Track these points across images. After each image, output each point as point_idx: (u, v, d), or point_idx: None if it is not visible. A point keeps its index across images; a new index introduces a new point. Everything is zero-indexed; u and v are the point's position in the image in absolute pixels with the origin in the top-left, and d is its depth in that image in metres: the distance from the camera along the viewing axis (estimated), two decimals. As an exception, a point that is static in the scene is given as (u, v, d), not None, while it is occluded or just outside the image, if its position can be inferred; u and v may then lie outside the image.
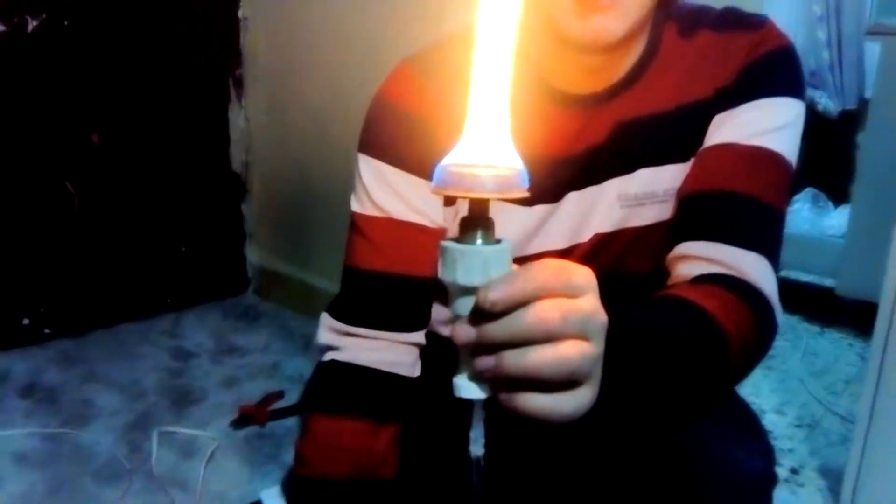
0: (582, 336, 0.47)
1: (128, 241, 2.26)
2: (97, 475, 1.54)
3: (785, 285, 2.53)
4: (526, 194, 0.47)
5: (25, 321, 2.10)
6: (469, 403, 0.49)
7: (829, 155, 3.08)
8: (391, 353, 0.89)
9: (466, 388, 0.48)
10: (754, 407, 1.90)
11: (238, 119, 2.46)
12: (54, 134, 2.07)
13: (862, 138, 2.58)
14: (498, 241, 0.47)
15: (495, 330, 0.45)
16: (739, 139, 0.83)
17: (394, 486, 0.87)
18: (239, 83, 2.44)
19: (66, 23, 2.03)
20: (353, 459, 0.86)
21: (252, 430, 1.72)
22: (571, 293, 0.47)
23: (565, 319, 0.45)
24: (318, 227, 2.31)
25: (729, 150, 0.83)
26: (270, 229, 2.53)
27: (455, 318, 0.47)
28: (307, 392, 0.92)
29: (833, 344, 2.36)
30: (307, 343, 2.12)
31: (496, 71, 0.48)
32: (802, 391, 2.01)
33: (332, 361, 0.89)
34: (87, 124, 2.12)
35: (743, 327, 0.70)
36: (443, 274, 0.47)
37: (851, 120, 3.39)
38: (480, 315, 0.46)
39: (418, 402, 0.90)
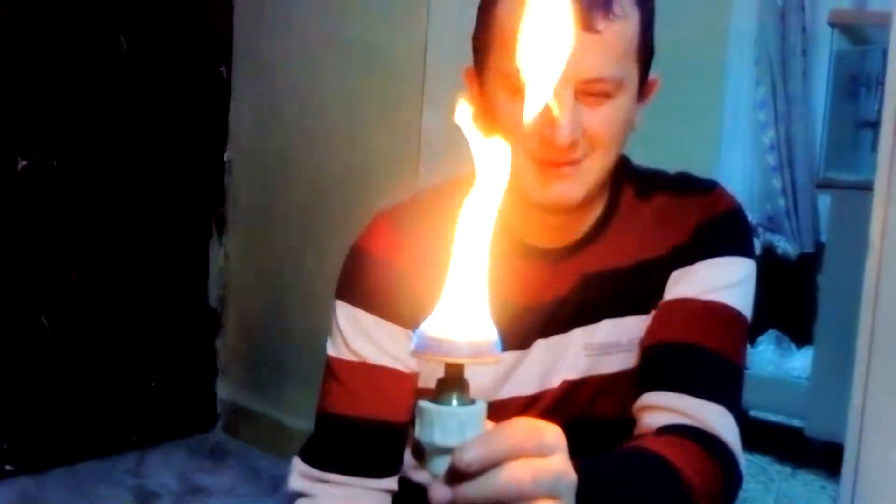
0: (552, 495, 0.49)
1: (98, 375, 2.23)
2: None
3: (754, 426, 2.53)
4: (498, 360, 0.51)
5: (-14, 457, 2.04)
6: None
7: (790, 297, 3.18)
8: (365, 500, 0.89)
9: (445, 544, 0.50)
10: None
11: (218, 256, 2.51)
12: (33, 268, 2.09)
13: (821, 282, 2.70)
14: (472, 402, 0.51)
15: (470, 490, 0.48)
16: (697, 294, 0.89)
17: None
18: (221, 221, 2.51)
19: (55, 163, 2.10)
20: None
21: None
22: (542, 453, 0.50)
23: (536, 480, 0.48)
24: (291, 365, 2.32)
25: (688, 305, 0.89)
26: (243, 366, 2.52)
27: (432, 478, 0.50)
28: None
29: (805, 486, 2.36)
30: (275, 485, 2.07)
31: (477, 244, 0.52)
32: (777, 537, 1.99)
33: (306, 509, 0.89)
34: (67, 259, 2.16)
35: (708, 479, 0.72)
36: (420, 434, 0.50)
37: (810, 262, 3.53)
38: (456, 475, 0.48)
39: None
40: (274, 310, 2.38)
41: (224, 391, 2.54)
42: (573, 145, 0.81)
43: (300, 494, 0.91)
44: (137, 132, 2.26)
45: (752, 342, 2.95)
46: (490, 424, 0.51)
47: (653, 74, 0.89)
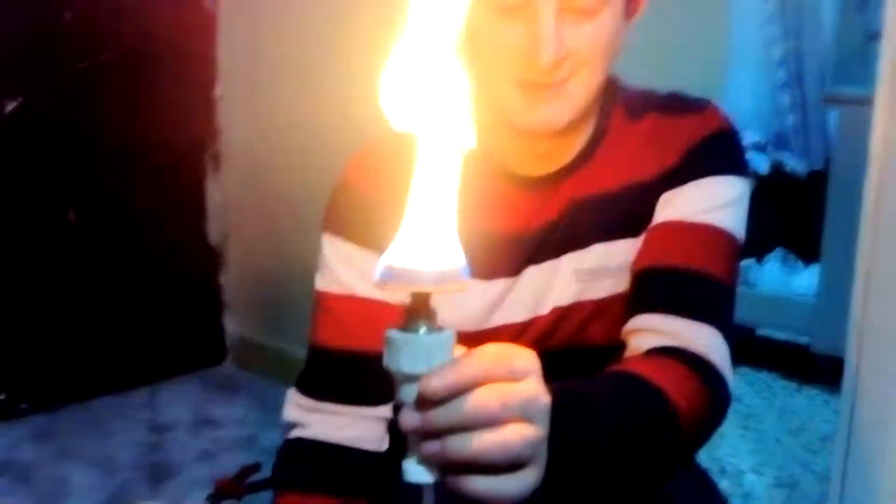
0: (524, 419, 0.49)
1: (104, 315, 2.26)
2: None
3: (760, 343, 2.55)
4: (466, 287, 0.50)
5: (2, 396, 2.09)
6: (419, 487, 0.51)
7: (799, 215, 3.15)
8: (357, 428, 0.91)
9: (415, 472, 0.50)
10: (733, 468, 1.93)
11: (215, 192, 2.50)
12: (30, 211, 2.09)
13: (828, 199, 2.66)
14: (440, 330, 0.50)
15: (438, 417, 0.47)
16: (686, 216, 0.87)
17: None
18: (215, 158, 2.49)
19: (42, 104, 2.08)
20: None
21: (228, 504, 1.71)
22: (513, 378, 0.50)
23: (505, 405, 0.48)
24: (296, 296, 2.32)
25: (677, 227, 0.87)
26: (248, 300, 2.54)
27: (401, 405, 0.50)
28: (275, 470, 0.93)
29: (809, 401, 2.39)
30: (285, 414, 2.11)
31: (441, 163, 0.50)
32: (780, 450, 2.02)
33: (299, 439, 0.91)
34: (63, 202, 2.15)
35: (693, 399, 0.72)
36: (388, 362, 0.50)
37: (820, 179, 3.48)
38: (425, 402, 0.48)
39: (385, 477, 0.91)
40: (275, 243, 2.39)
41: (231, 325, 2.57)
42: (558, 65, 0.79)
43: (295, 424, 0.92)
44: (124, 69, 2.22)
45: (759, 261, 2.94)
46: (461, 352, 0.50)
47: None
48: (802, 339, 2.60)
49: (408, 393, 0.49)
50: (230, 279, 2.57)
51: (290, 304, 2.37)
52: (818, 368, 2.49)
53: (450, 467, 0.48)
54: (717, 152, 0.89)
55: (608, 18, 0.80)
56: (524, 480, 0.50)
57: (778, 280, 2.76)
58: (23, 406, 2.11)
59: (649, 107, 0.92)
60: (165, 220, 2.38)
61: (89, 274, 2.22)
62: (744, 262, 2.92)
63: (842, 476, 1.47)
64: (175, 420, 2.14)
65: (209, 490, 1.74)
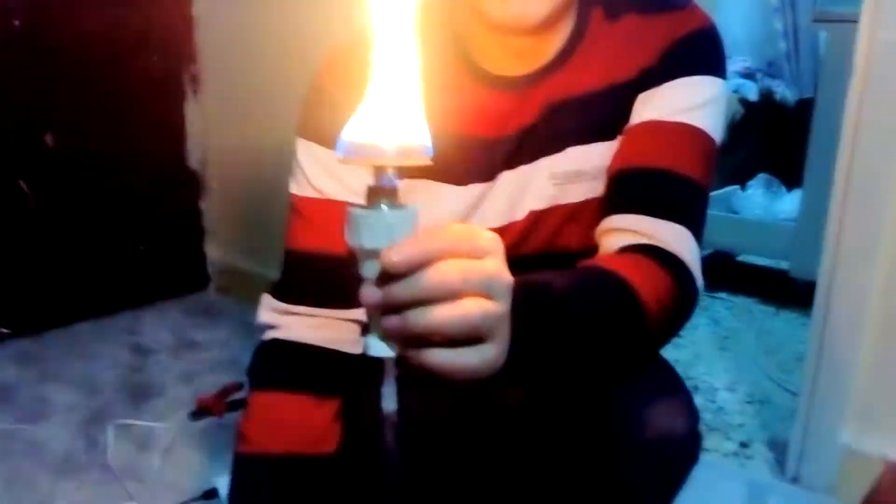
0: (485, 294, 0.49)
1: (85, 240, 2.24)
2: (52, 469, 1.53)
3: (740, 269, 2.58)
4: (428, 161, 0.49)
5: (-18, 321, 2.09)
6: (381, 362, 0.51)
7: (788, 142, 3.14)
8: (332, 330, 0.91)
9: (376, 346, 0.50)
10: (707, 385, 1.96)
11: (195, 116, 2.45)
12: (7, 135, 2.05)
13: (813, 122, 2.65)
14: (403, 207, 0.50)
15: (398, 290, 0.47)
16: (662, 116, 0.86)
17: (335, 461, 0.89)
18: (195, 81, 2.43)
19: (16, 23, 2.02)
20: (294, 434, 0.88)
21: (210, 421, 1.72)
22: (475, 255, 0.49)
23: (466, 279, 0.48)
24: (278, 221, 2.30)
25: (652, 128, 0.86)
26: (230, 225, 2.53)
27: (363, 281, 0.49)
28: (250, 369, 0.94)
29: (787, 323, 2.42)
30: (267, 336, 2.12)
31: (399, 37, 0.48)
32: (755, 369, 2.06)
33: (273, 340, 0.91)
34: (40, 125, 2.11)
35: (661, 293, 0.72)
36: (349, 239, 0.49)
37: (809, 107, 3.46)
38: (386, 277, 0.48)
39: (359, 377, 0.92)
40: (256, 168, 2.35)
41: (213, 252, 2.56)
42: None
43: (270, 326, 0.93)
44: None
45: (743, 188, 2.94)
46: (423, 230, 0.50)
47: None
48: (783, 265, 2.62)
49: (370, 269, 0.49)
50: (211, 205, 2.54)
51: (271, 229, 2.35)
52: (797, 292, 2.52)
53: (410, 341, 0.48)
54: (695, 52, 0.88)
55: None
56: (484, 354, 0.50)
57: (761, 206, 2.76)
58: (4, 331, 2.11)
59: (629, 5, 0.90)
60: (145, 143, 2.34)
61: (69, 199, 2.19)
62: (727, 189, 2.92)
63: (810, 392, 1.50)
64: (157, 343, 2.15)
65: (191, 408, 1.76)
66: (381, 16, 0.48)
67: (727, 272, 2.77)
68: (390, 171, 0.49)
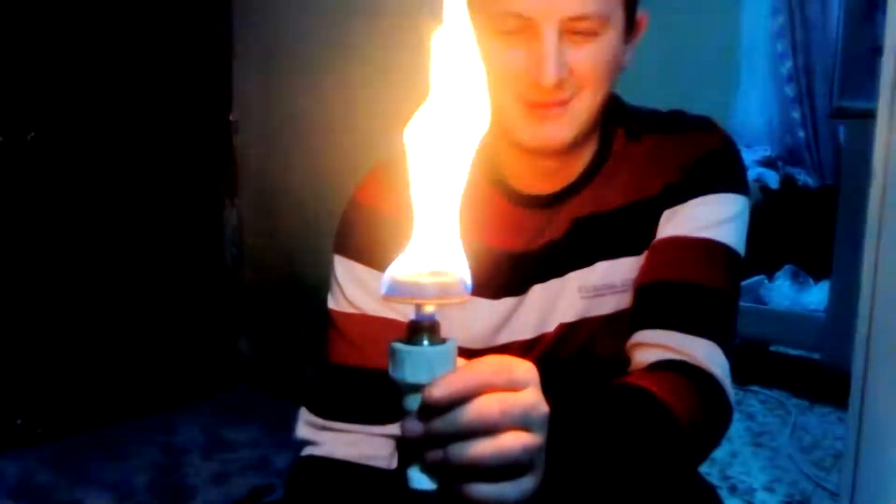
0: (523, 427, 0.51)
1: (120, 339, 2.29)
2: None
3: (772, 360, 2.54)
4: (466, 300, 0.52)
5: (18, 421, 2.11)
6: (423, 494, 0.52)
7: (811, 230, 3.15)
8: (368, 446, 0.92)
9: (419, 479, 0.52)
10: (745, 486, 1.92)
11: (230, 216, 2.54)
12: (52, 239, 2.13)
13: (838, 213, 2.67)
14: (444, 342, 0.52)
15: (440, 425, 0.49)
16: (688, 232, 0.89)
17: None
18: (231, 182, 2.53)
19: (63, 134, 2.13)
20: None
21: (242, 526, 1.72)
22: (513, 387, 0.51)
23: (504, 413, 0.50)
24: (309, 317, 2.35)
25: (679, 243, 0.89)
26: (262, 322, 2.57)
27: (406, 414, 0.52)
28: (287, 488, 0.94)
29: (822, 418, 2.37)
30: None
31: (445, 178, 0.52)
32: (792, 468, 2.01)
33: (311, 457, 0.92)
34: (83, 230, 2.19)
35: (694, 411, 0.73)
36: (393, 372, 0.51)
37: (832, 193, 3.48)
38: (428, 411, 0.50)
39: (396, 495, 0.93)
40: (289, 265, 2.41)
41: (246, 347, 2.59)
42: (560, 85, 0.81)
43: (307, 442, 0.94)
44: (140, 99, 2.27)
45: (770, 278, 2.93)
46: (463, 363, 0.52)
47: (640, 13, 0.88)
48: (815, 356, 2.59)
49: (412, 402, 0.51)
50: (245, 302, 2.59)
51: (303, 324, 2.39)
52: (830, 384, 2.48)
53: (452, 474, 0.50)
54: (717, 169, 0.91)
55: (609, 40, 0.83)
56: (523, 487, 0.51)
57: (789, 297, 2.76)
58: (38, 431, 2.14)
59: (651, 126, 0.94)
60: (182, 245, 2.41)
61: (105, 299, 2.25)
62: (754, 279, 2.92)
63: (851, 492, 1.47)
64: (190, 443, 2.15)
65: (223, 512, 1.76)
66: (434, 142, 0.51)
67: (759, 364, 2.74)
68: (431, 307, 0.52)
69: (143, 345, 2.35)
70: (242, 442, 2.16)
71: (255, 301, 2.58)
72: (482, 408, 0.49)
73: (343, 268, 0.94)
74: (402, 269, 0.51)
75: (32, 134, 2.08)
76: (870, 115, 2.22)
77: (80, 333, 2.20)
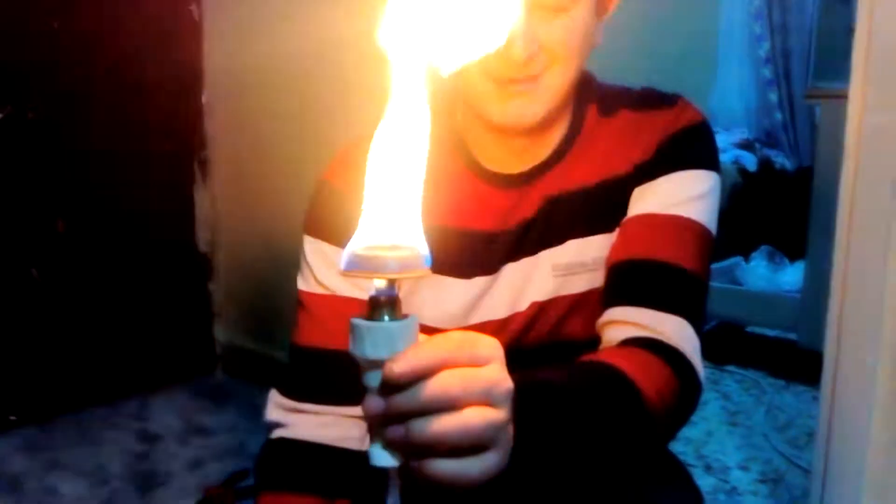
0: (486, 403, 0.50)
1: (94, 325, 2.26)
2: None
3: (748, 340, 2.57)
4: (428, 273, 0.51)
5: (-10, 409, 2.09)
6: (385, 471, 0.52)
7: (789, 211, 3.17)
8: (338, 427, 0.91)
9: (380, 456, 0.51)
10: (720, 464, 1.94)
11: (203, 200, 2.51)
12: (19, 221, 2.10)
13: (812, 195, 2.68)
14: (405, 317, 0.51)
15: (401, 400, 0.48)
16: (659, 209, 0.88)
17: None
18: (204, 165, 2.50)
19: (29, 114, 2.09)
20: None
21: (217, 511, 1.71)
22: (475, 363, 0.51)
23: (466, 388, 0.49)
24: (286, 303, 2.33)
25: (649, 220, 0.89)
26: (238, 307, 2.55)
27: (367, 391, 0.51)
28: (257, 470, 0.94)
29: (797, 397, 2.40)
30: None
31: (401, 150, 0.51)
32: (767, 446, 2.03)
33: (280, 439, 0.92)
34: (52, 211, 2.16)
35: (663, 388, 0.73)
36: (352, 348, 0.51)
37: (809, 175, 3.50)
38: (388, 387, 0.49)
39: (367, 476, 0.92)
40: (264, 250, 2.39)
41: (222, 334, 2.57)
42: (530, 59, 0.80)
43: (277, 425, 0.93)
44: (111, 78, 2.23)
45: (746, 259, 2.95)
46: (424, 339, 0.51)
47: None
48: (791, 336, 2.62)
49: (372, 379, 0.50)
50: (220, 287, 2.57)
51: (279, 311, 2.37)
52: (806, 364, 2.50)
53: (413, 451, 0.49)
54: (688, 146, 0.91)
55: (579, 15, 0.82)
56: (486, 463, 0.50)
57: (765, 278, 2.78)
58: (11, 418, 2.11)
59: (622, 103, 0.94)
60: (154, 228, 2.38)
61: (78, 284, 2.22)
62: (731, 261, 2.94)
63: (823, 470, 1.48)
64: (165, 429, 2.14)
65: (198, 497, 1.74)
66: (394, 115, 0.50)
67: (736, 344, 2.76)
68: (390, 282, 0.51)
69: (118, 330, 2.32)
70: (218, 428, 2.15)
71: (231, 285, 2.56)
72: (444, 383, 0.48)
73: (312, 248, 0.94)
74: (360, 243, 0.50)
75: (1, 114, 2.04)
76: (844, 97, 2.24)
77: (54, 319, 2.18)
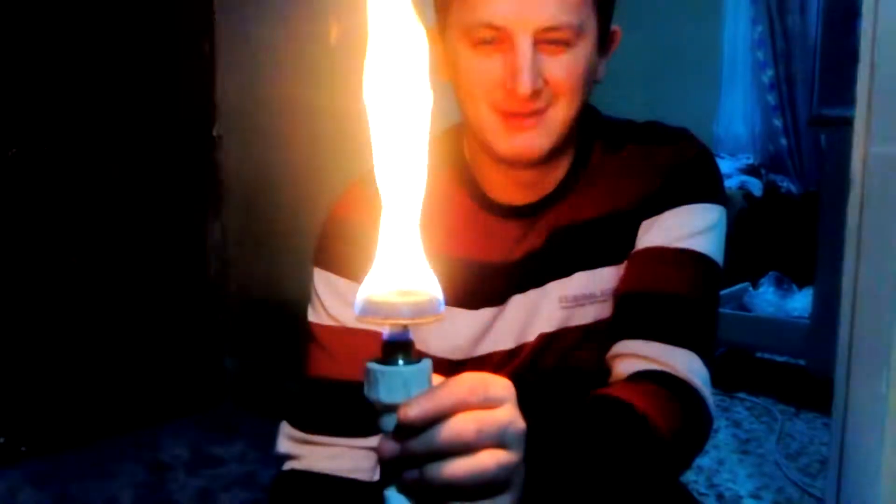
0: (500, 445, 0.51)
1: (104, 356, 2.27)
2: None
3: (758, 367, 2.55)
4: (441, 318, 0.52)
5: (1, 439, 2.09)
6: (400, 513, 0.52)
7: (795, 237, 3.17)
8: (349, 459, 0.91)
9: (395, 500, 0.51)
10: (732, 493, 1.92)
11: (214, 231, 2.53)
12: (33, 254, 2.12)
13: (820, 220, 2.68)
14: (419, 360, 0.52)
15: (415, 444, 0.49)
16: (666, 242, 0.89)
17: None
18: (215, 197, 2.52)
19: (43, 148, 2.12)
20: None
21: (228, 543, 1.70)
22: (489, 405, 0.51)
23: (480, 431, 0.49)
24: (296, 334, 2.34)
25: (657, 253, 0.89)
26: (248, 338, 2.55)
27: (382, 434, 0.51)
28: (270, 502, 0.94)
29: (808, 424, 2.38)
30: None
31: (408, 196, 0.52)
32: (779, 474, 2.02)
33: (293, 471, 0.92)
34: (65, 245, 2.18)
35: (674, 422, 0.74)
36: (368, 392, 0.51)
37: (815, 200, 3.50)
38: (403, 431, 0.50)
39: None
40: (274, 281, 2.40)
41: (231, 364, 2.58)
42: (535, 94, 0.81)
43: (288, 457, 0.94)
44: (125, 114, 2.26)
45: (754, 286, 2.95)
46: (439, 381, 0.52)
47: (613, 27, 0.89)
48: (800, 362, 2.61)
49: (387, 422, 0.51)
50: (229, 318, 2.58)
51: (289, 342, 2.38)
52: (816, 391, 2.49)
53: (429, 494, 0.50)
54: (693, 180, 0.92)
55: (583, 51, 0.83)
56: (500, 504, 0.51)
57: (773, 304, 2.77)
58: (22, 449, 2.11)
59: (628, 137, 0.95)
60: (165, 259, 2.40)
61: (89, 315, 2.24)
62: (738, 287, 2.94)
63: (836, 499, 1.47)
64: (175, 459, 2.14)
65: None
66: (392, 151, 0.52)
67: (745, 371, 2.75)
68: (405, 327, 0.52)
69: (129, 361, 2.33)
70: (228, 458, 2.15)
71: (241, 316, 2.56)
72: (458, 427, 0.49)
73: (322, 280, 0.94)
74: (374, 288, 0.51)
75: (14, 150, 2.06)
76: (849, 123, 2.25)
77: (64, 350, 2.19)
